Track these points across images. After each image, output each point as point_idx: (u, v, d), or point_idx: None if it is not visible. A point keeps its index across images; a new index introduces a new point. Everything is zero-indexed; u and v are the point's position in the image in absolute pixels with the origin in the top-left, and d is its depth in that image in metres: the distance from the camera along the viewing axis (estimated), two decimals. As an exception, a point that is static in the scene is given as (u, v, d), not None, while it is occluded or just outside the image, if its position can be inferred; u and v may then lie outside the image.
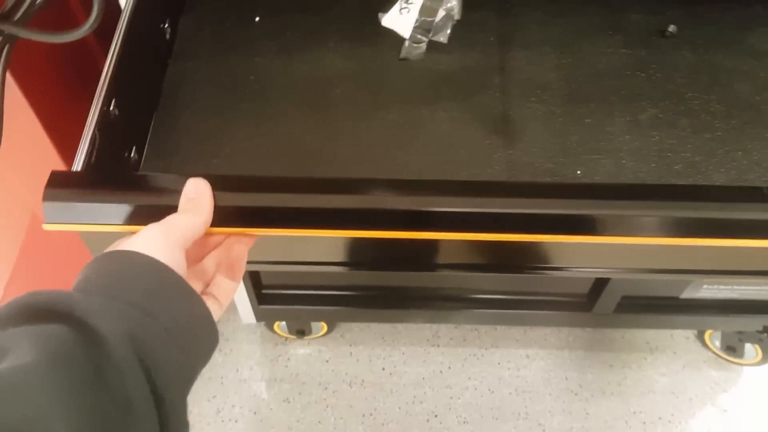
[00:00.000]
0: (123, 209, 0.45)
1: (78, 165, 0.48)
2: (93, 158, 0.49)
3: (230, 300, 0.46)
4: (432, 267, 0.54)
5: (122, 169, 0.54)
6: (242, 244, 0.46)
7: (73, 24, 0.59)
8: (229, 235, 0.46)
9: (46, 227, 0.46)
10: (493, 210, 0.47)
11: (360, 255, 0.53)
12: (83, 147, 0.49)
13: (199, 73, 0.63)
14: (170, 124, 0.60)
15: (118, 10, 0.60)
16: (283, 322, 1.10)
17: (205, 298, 0.43)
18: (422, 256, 0.54)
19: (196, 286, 0.44)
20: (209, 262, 0.46)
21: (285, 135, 0.60)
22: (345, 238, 0.50)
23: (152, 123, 0.60)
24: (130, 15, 0.57)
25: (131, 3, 0.58)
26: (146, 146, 0.58)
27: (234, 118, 0.60)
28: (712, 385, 1.13)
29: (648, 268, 0.54)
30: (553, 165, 0.59)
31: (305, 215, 0.46)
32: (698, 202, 0.47)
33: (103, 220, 0.46)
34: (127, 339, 0.33)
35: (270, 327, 1.12)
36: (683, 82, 0.63)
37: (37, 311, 0.33)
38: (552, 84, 0.63)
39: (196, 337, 0.38)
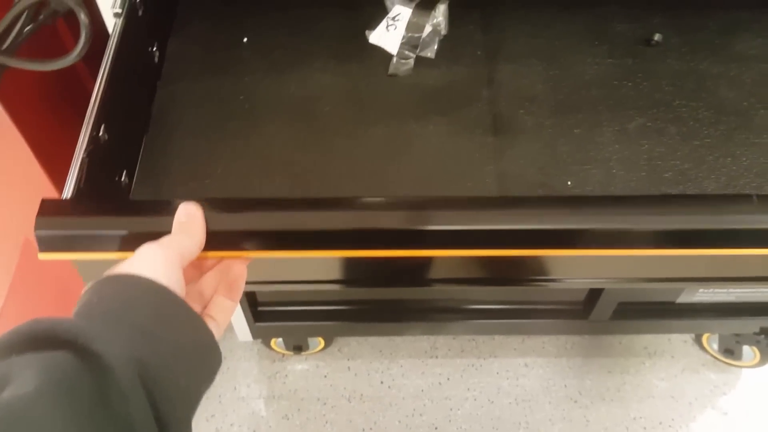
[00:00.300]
0: (115, 236, 0.45)
1: (68, 192, 0.48)
2: (83, 184, 0.49)
3: (229, 321, 0.46)
4: (427, 283, 0.54)
5: (113, 195, 0.54)
6: (241, 263, 0.46)
7: (62, 49, 0.59)
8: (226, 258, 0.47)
9: (41, 257, 0.46)
10: (487, 227, 0.47)
11: (356, 273, 0.53)
12: (73, 173, 0.48)
13: (189, 94, 0.63)
14: (161, 146, 0.60)
15: (106, 34, 0.60)
16: (280, 339, 1.10)
17: (205, 319, 0.43)
18: (417, 273, 0.54)
19: (194, 307, 0.43)
20: (206, 283, 0.46)
21: (276, 154, 0.60)
22: (341, 257, 0.50)
23: (142, 146, 0.60)
24: (117, 40, 0.57)
25: (118, 28, 0.58)
26: (137, 169, 0.58)
27: (224, 138, 0.61)
28: (711, 388, 1.13)
29: (642, 278, 0.54)
30: (544, 176, 0.59)
31: (300, 237, 0.46)
32: (689, 214, 0.48)
33: (95, 248, 0.46)
34: (131, 364, 0.33)
35: (267, 344, 1.12)
36: (670, 90, 0.64)
37: (40, 339, 0.32)
38: (540, 95, 0.63)
39: (200, 360, 0.38)
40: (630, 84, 0.64)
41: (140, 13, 0.61)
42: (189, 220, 0.43)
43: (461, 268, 0.53)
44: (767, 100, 0.63)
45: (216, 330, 0.43)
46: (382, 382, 1.14)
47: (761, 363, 1.10)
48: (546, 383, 1.14)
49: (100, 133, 0.51)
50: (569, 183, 0.59)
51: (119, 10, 0.59)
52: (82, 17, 0.60)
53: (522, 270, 0.53)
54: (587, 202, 0.49)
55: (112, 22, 0.60)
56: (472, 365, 1.15)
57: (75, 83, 0.81)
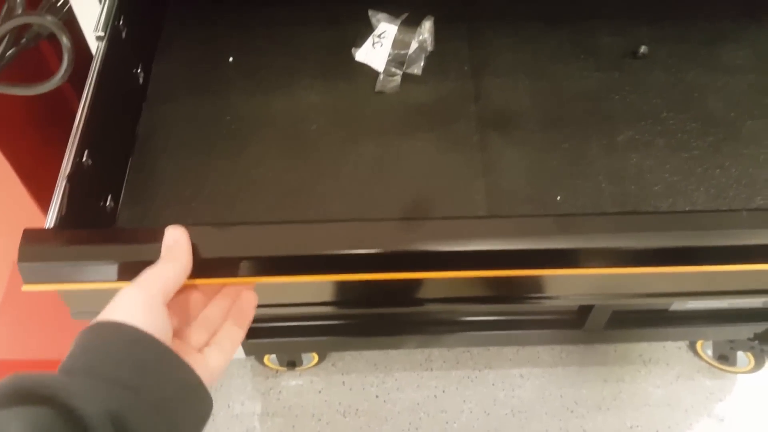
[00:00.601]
0: (99, 266, 0.45)
1: (51, 220, 0.47)
2: (66, 212, 0.48)
3: (237, 349, 0.46)
4: (420, 303, 0.54)
5: (98, 221, 0.53)
6: (250, 289, 0.46)
7: (47, 71, 0.59)
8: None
9: (26, 288, 0.45)
10: (477, 248, 0.47)
11: (350, 295, 0.53)
12: (56, 201, 0.48)
13: (174, 115, 0.63)
14: (146, 169, 0.59)
15: (91, 56, 0.60)
16: (273, 355, 1.09)
17: (209, 350, 0.43)
18: (410, 294, 0.53)
19: (202, 336, 0.44)
20: (213, 310, 0.45)
21: (263, 174, 0.59)
22: (332, 281, 0.50)
23: (128, 169, 0.59)
24: (100, 64, 0.57)
25: (101, 52, 0.58)
26: (122, 193, 0.57)
27: (211, 160, 0.60)
28: (707, 395, 1.13)
29: (633, 294, 0.54)
30: (533, 191, 0.59)
31: (291, 261, 0.46)
32: (679, 231, 0.47)
33: (80, 279, 0.45)
34: (108, 420, 0.33)
35: (260, 360, 1.11)
36: (657, 102, 0.64)
37: (24, 394, 0.33)
38: (527, 110, 0.63)
39: (186, 407, 0.38)
40: (617, 97, 0.64)
41: (123, 35, 0.60)
42: (175, 244, 0.43)
43: (452, 288, 0.53)
44: (754, 111, 0.63)
45: (223, 361, 0.43)
46: (377, 396, 1.13)
47: (756, 368, 1.10)
48: (542, 393, 1.13)
49: (84, 159, 0.51)
50: (558, 198, 0.58)
51: (101, 33, 0.59)
52: (64, 41, 0.59)
53: (512, 289, 0.53)
54: (574, 222, 0.48)
55: (95, 44, 0.59)
56: (468, 377, 1.15)
57: (61, 105, 0.80)
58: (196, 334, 0.44)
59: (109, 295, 0.44)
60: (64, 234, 0.46)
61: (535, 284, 0.52)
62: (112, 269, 0.45)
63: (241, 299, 0.45)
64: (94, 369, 0.35)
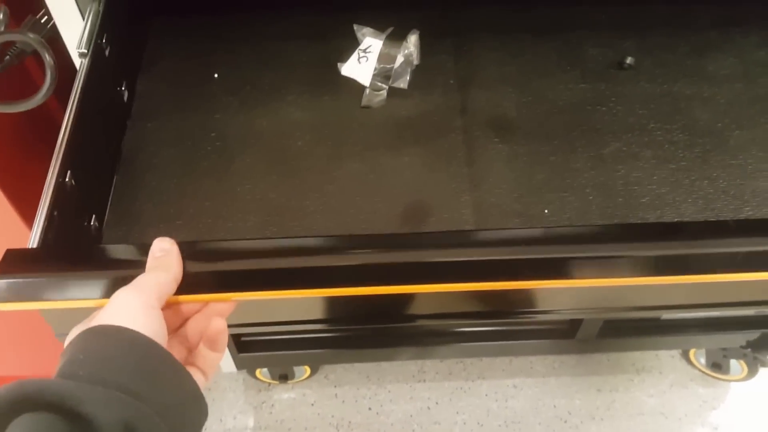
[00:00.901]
0: (82, 285, 0.44)
1: (34, 241, 0.47)
2: (50, 233, 0.47)
3: (215, 369, 0.45)
4: (410, 319, 0.53)
5: (82, 241, 0.52)
6: (220, 318, 0.46)
7: (34, 87, 0.58)
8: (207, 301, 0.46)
9: (4, 308, 0.45)
10: (465, 258, 0.46)
11: (338, 311, 0.53)
12: (39, 222, 0.47)
13: (159, 133, 0.62)
14: (131, 187, 0.59)
15: (76, 71, 0.59)
16: (265, 368, 1.08)
17: (190, 369, 0.43)
18: (402, 309, 0.53)
19: (180, 352, 0.44)
20: (191, 327, 0.45)
21: (249, 191, 0.59)
22: (322, 297, 0.50)
23: (112, 188, 0.59)
24: (82, 83, 0.56)
25: (83, 70, 0.57)
26: (107, 213, 0.57)
27: (196, 177, 0.60)
28: (700, 403, 1.13)
29: (621, 307, 0.54)
30: (520, 205, 0.59)
31: (277, 277, 0.46)
32: (667, 241, 0.47)
33: (61, 297, 0.45)
34: (121, 428, 0.33)
35: (252, 373, 1.10)
36: (644, 113, 0.63)
37: (32, 401, 0.32)
38: (514, 123, 0.63)
39: (186, 415, 0.38)
40: (604, 108, 0.64)
41: (107, 53, 0.60)
42: (163, 253, 0.43)
43: (442, 303, 0.52)
44: (741, 120, 0.63)
45: (203, 380, 0.43)
46: (370, 409, 1.12)
47: (749, 376, 1.10)
48: (535, 404, 1.13)
49: (66, 179, 0.50)
50: (546, 211, 0.58)
51: (84, 50, 0.59)
52: (47, 58, 0.59)
53: (502, 303, 0.53)
54: (562, 234, 0.48)
55: (79, 61, 0.59)
56: (461, 388, 1.14)
57: (48, 120, 0.80)
58: (176, 348, 0.44)
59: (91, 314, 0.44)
60: (45, 253, 0.45)
61: (525, 298, 0.52)
62: (96, 288, 0.44)
63: (210, 327, 0.45)
64: (100, 375, 0.35)
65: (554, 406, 1.12)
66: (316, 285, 0.46)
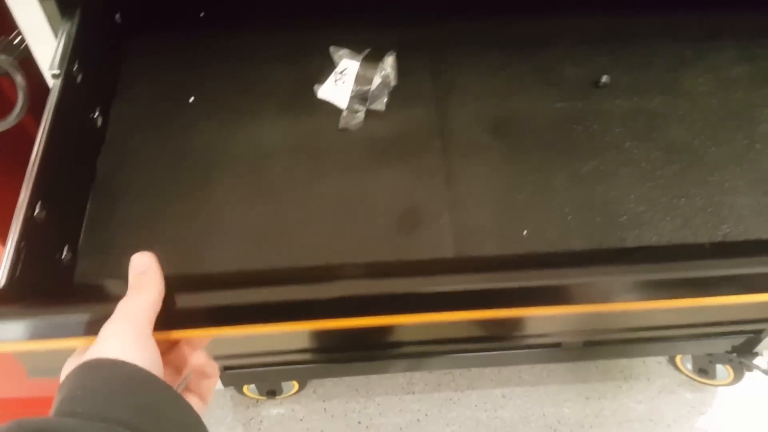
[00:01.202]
0: (50, 326, 0.44)
1: (2, 279, 0.46)
2: (20, 270, 0.47)
3: (212, 393, 0.46)
4: (397, 345, 0.53)
5: (55, 275, 0.52)
6: (200, 351, 0.46)
7: (9, 106, 0.58)
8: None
9: None
10: (443, 289, 0.47)
11: (319, 342, 0.52)
12: (7, 260, 0.47)
13: (134, 158, 0.62)
14: (105, 214, 0.58)
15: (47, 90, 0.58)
16: (253, 384, 1.08)
17: (187, 396, 0.43)
18: (385, 337, 0.53)
19: (173, 376, 0.44)
20: (181, 349, 0.45)
21: (226, 216, 0.58)
22: (301, 330, 0.50)
23: (86, 216, 0.58)
24: (53, 111, 0.55)
25: (54, 97, 0.57)
26: (80, 242, 0.56)
27: (173, 203, 0.59)
28: (688, 409, 1.13)
29: (599, 329, 0.54)
30: (499, 227, 0.58)
31: (253, 312, 0.45)
32: (642, 266, 0.47)
33: (32, 337, 0.44)
34: None
35: (239, 390, 1.10)
36: (621, 131, 0.63)
37: None
38: (492, 143, 0.63)
39: None
40: (580, 127, 0.64)
41: (79, 79, 0.59)
42: (145, 269, 0.43)
43: (424, 331, 0.52)
44: (717, 137, 0.63)
45: (199, 405, 0.43)
46: (359, 422, 1.12)
47: (735, 381, 1.11)
48: (525, 413, 1.13)
49: (36, 213, 0.50)
50: (525, 233, 0.58)
51: (57, 71, 0.58)
52: (19, 79, 0.58)
53: (486, 329, 0.53)
54: (537, 261, 0.48)
55: (52, 82, 0.58)
56: (450, 399, 1.14)
57: (24, 141, 0.79)
58: (169, 373, 0.44)
59: (65, 353, 0.44)
60: (13, 292, 0.45)
61: (507, 324, 0.52)
62: (68, 328, 0.44)
63: (193, 361, 0.45)
64: (100, 411, 0.35)
65: (543, 415, 1.12)
66: (293, 318, 0.46)
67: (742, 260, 0.50)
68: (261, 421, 1.12)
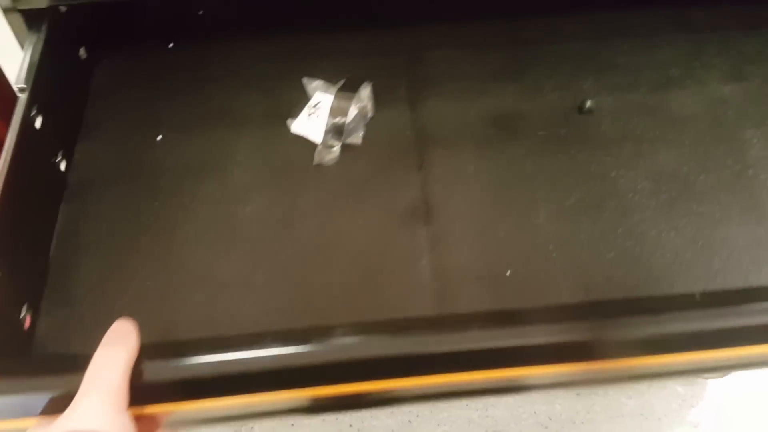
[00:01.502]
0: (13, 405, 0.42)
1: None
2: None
3: None
4: (375, 403, 0.52)
5: (13, 338, 0.49)
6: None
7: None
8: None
9: None
10: (424, 351, 0.45)
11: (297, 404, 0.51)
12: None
13: (98, 205, 0.59)
14: (67, 268, 0.55)
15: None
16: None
17: None
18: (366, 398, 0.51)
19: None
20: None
21: (193, 266, 0.56)
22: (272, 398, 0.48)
23: (48, 272, 0.55)
24: (10, 159, 0.52)
25: (12, 143, 0.53)
26: (42, 299, 0.54)
27: (138, 253, 0.56)
28: (679, 402, 1.13)
29: (586, 380, 0.52)
30: (481, 266, 0.56)
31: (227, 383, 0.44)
32: (631, 321, 0.46)
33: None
34: None
35: (229, 398, 1.09)
36: (607, 159, 0.61)
37: None
38: (472, 177, 0.60)
39: None
40: (565, 156, 0.61)
41: (38, 125, 0.56)
42: (120, 326, 0.43)
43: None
44: (706, 163, 0.61)
45: None
46: (351, 426, 1.12)
47: (725, 373, 1.11)
48: (516, 412, 1.13)
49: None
50: (508, 273, 0.56)
51: (23, 85, 0.56)
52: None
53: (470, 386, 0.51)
54: (519, 319, 0.46)
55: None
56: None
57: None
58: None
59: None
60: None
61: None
62: (29, 407, 0.42)
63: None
64: None
65: (534, 413, 1.12)
66: (270, 388, 0.44)
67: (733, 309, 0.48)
68: (252, 427, 1.12)
